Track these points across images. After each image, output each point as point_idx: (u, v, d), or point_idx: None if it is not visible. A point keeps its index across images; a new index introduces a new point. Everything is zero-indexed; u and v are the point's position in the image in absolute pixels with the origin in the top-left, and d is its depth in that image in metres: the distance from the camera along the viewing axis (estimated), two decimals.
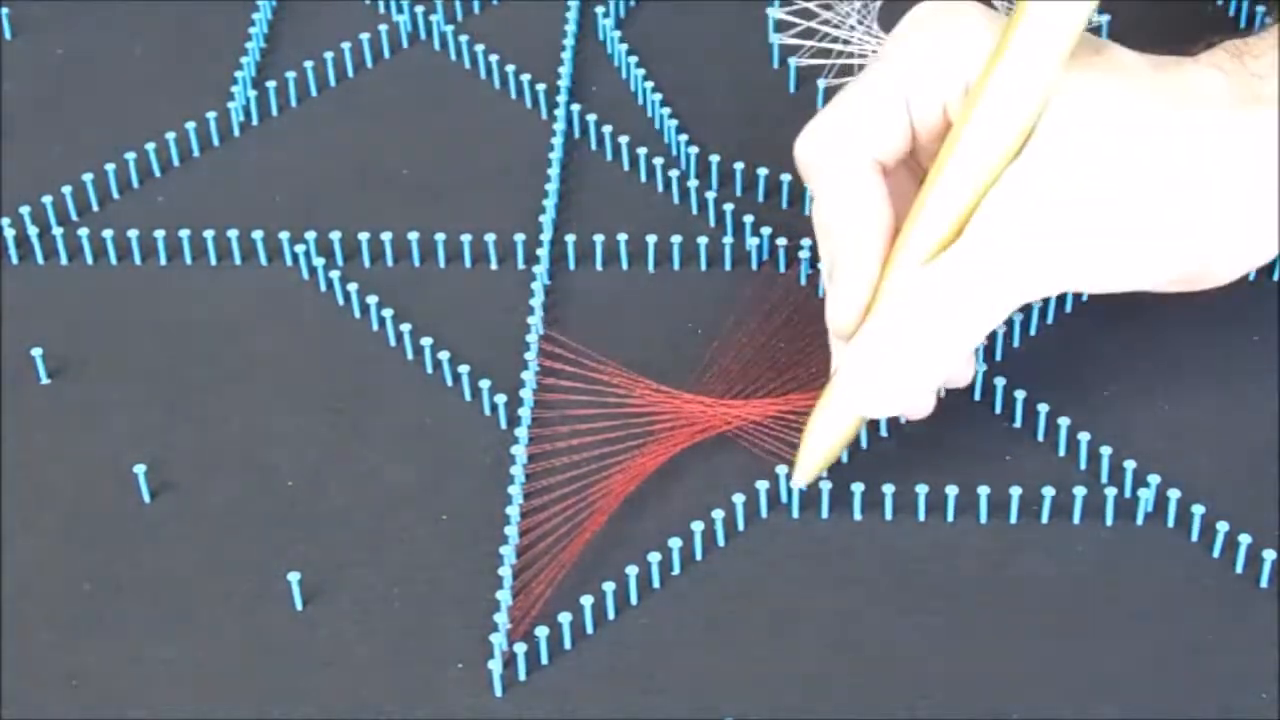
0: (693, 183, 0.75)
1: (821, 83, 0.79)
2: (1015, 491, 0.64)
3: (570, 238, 0.74)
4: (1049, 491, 0.64)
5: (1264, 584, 0.62)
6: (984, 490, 0.64)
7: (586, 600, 0.61)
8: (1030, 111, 0.60)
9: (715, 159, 0.75)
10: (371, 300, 0.71)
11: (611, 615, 0.62)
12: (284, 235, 0.74)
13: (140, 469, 0.65)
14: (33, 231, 0.75)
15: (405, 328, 0.70)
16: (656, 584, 0.63)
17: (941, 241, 0.61)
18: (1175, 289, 0.64)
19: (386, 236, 0.73)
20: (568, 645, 0.61)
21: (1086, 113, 0.60)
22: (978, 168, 0.60)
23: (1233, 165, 0.61)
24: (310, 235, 0.74)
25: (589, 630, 0.62)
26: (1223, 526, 0.63)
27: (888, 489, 0.64)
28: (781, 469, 0.64)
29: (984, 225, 0.60)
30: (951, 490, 0.64)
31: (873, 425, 0.66)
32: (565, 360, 0.69)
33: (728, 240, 0.73)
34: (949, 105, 0.63)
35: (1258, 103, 0.61)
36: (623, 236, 0.73)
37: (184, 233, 0.74)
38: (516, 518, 0.64)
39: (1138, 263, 0.62)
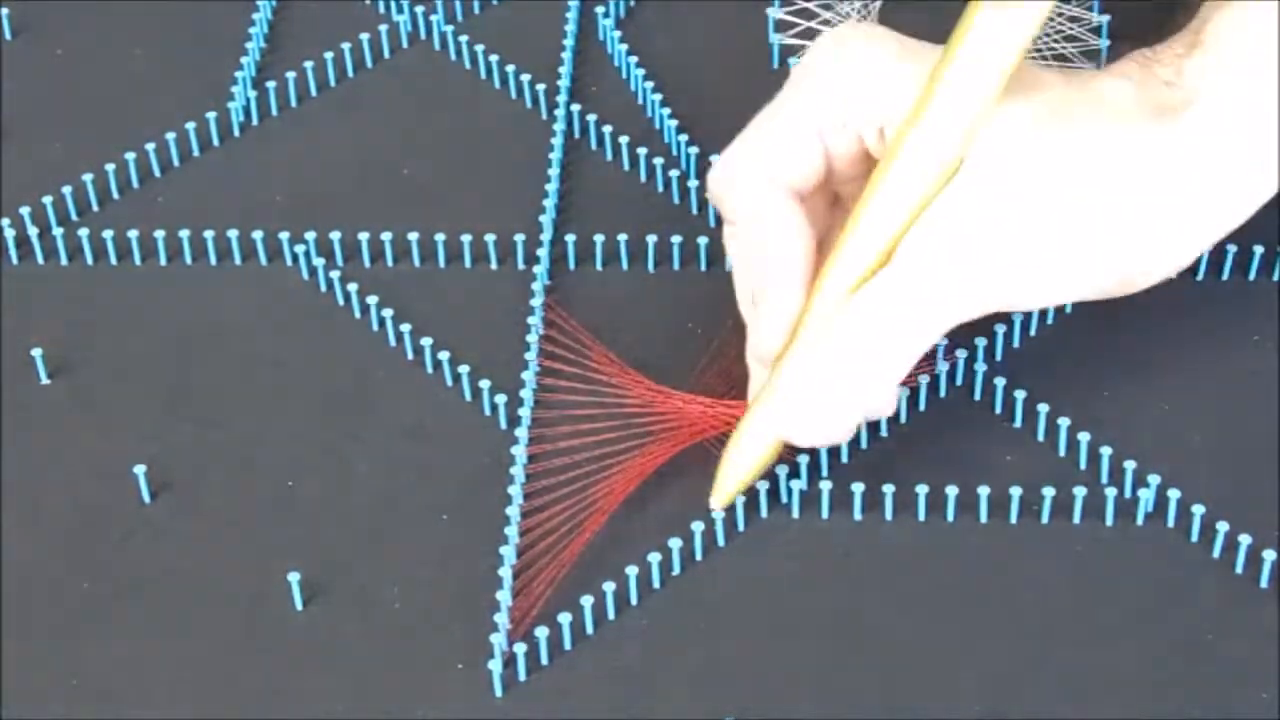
0: (693, 183, 0.75)
1: None
2: (1015, 491, 0.64)
3: (570, 238, 0.74)
4: (1049, 491, 0.64)
5: (1264, 584, 0.62)
6: (984, 490, 0.64)
7: (586, 600, 0.61)
8: (960, 146, 0.61)
9: (715, 159, 0.75)
10: (371, 300, 0.71)
11: (611, 615, 0.62)
12: (284, 235, 0.74)
13: (140, 469, 0.65)
14: (33, 231, 0.75)
15: (405, 328, 0.70)
16: (656, 584, 0.63)
17: (869, 269, 0.62)
18: (1100, 297, 0.65)
19: (386, 236, 0.73)
20: (568, 645, 0.61)
21: (1007, 140, 0.61)
22: (906, 199, 0.61)
23: (1143, 178, 0.62)
24: (310, 235, 0.74)
25: (589, 630, 0.62)
26: (1223, 526, 0.63)
27: (888, 489, 0.64)
28: (782, 469, 0.65)
29: (912, 252, 0.61)
30: (951, 490, 0.64)
31: (873, 425, 0.66)
32: (565, 360, 0.69)
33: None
34: (864, 135, 0.63)
35: (1164, 112, 0.62)
36: (623, 236, 0.73)
37: (184, 233, 0.74)
38: (516, 518, 0.64)
39: (1060, 280, 0.63)
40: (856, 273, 0.62)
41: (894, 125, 0.62)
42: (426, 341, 0.70)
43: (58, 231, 0.74)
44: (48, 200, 0.75)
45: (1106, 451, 0.65)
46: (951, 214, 0.61)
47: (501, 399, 0.67)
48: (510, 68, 0.80)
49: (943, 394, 0.68)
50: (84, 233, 0.74)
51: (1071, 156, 0.61)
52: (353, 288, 0.71)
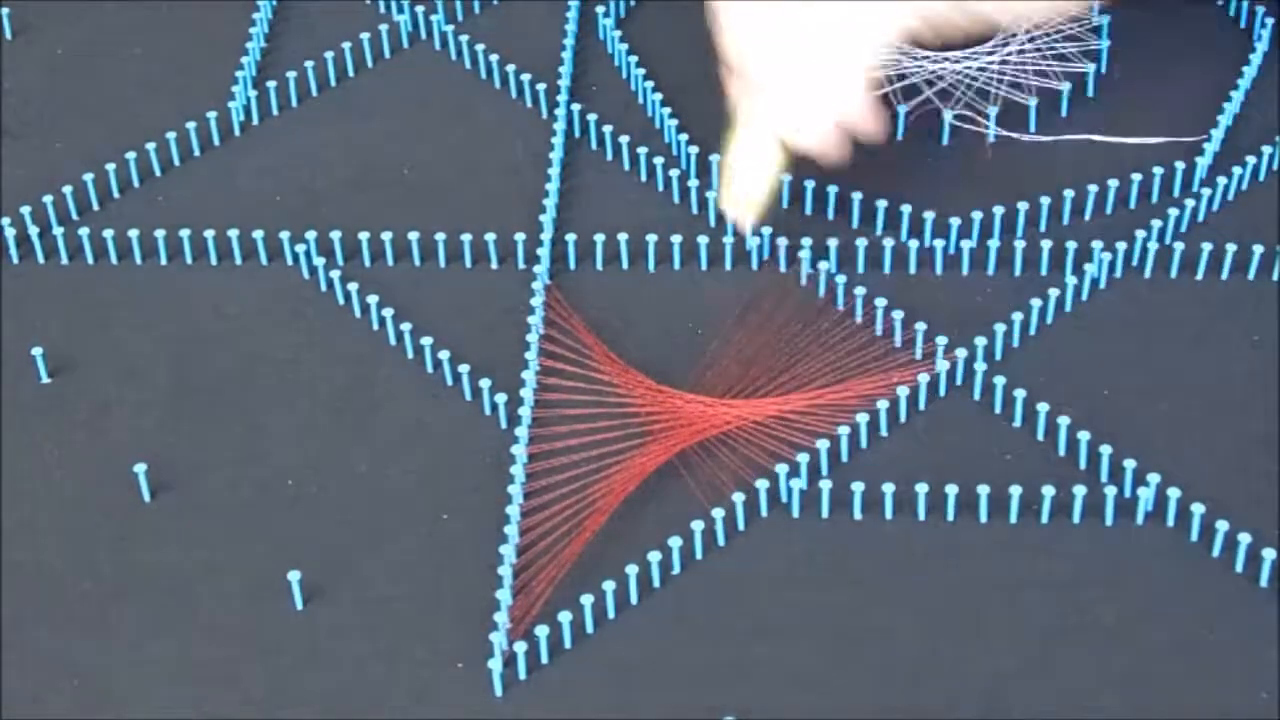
0: (693, 183, 0.75)
1: None
2: (1015, 491, 0.64)
3: (570, 237, 0.74)
4: (1049, 491, 0.64)
5: (1264, 584, 0.62)
6: (984, 490, 0.64)
7: (586, 600, 0.61)
8: None
9: (715, 159, 0.75)
10: (371, 300, 0.71)
11: (611, 615, 0.62)
12: (284, 235, 0.74)
13: (140, 469, 0.65)
14: (33, 231, 0.75)
15: (405, 328, 0.70)
16: (656, 584, 0.63)
17: None
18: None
19: (386, 236, 0.73)
20: (568, 645, 0.61)
21: None
22: None
23: None
24: (310, 235, 0.74)
25: (589, 630, 0.62)
26: (1222, 526, 0.63)
27: (888, 489, 0.64)
28: (782, 469, 0.65)
29: None
30: (951, 490, 0.64)
31: (873, 425, 0.66)
32: (565, 360, 0.69)
33: (728, 240, 0.73)
34: None
35: None
36: (623, 236, 0.73)
37: (184, 233, 0.74)
38: (516, 518, 0.64)
39: None
40: None
41: None
42: (426, 341, 0.70)
43: (58, 231, 0.74)
44: (48, 200, 0.75)
45: (1106, 451, 0.65)
46: None
47: (501, 399, 0.67)
48: (510, 67, 0.80)
49: (943, 394, 0.68)
50: (84, 232, 0.74)
51: None
52: (353, 287, 0.71)
